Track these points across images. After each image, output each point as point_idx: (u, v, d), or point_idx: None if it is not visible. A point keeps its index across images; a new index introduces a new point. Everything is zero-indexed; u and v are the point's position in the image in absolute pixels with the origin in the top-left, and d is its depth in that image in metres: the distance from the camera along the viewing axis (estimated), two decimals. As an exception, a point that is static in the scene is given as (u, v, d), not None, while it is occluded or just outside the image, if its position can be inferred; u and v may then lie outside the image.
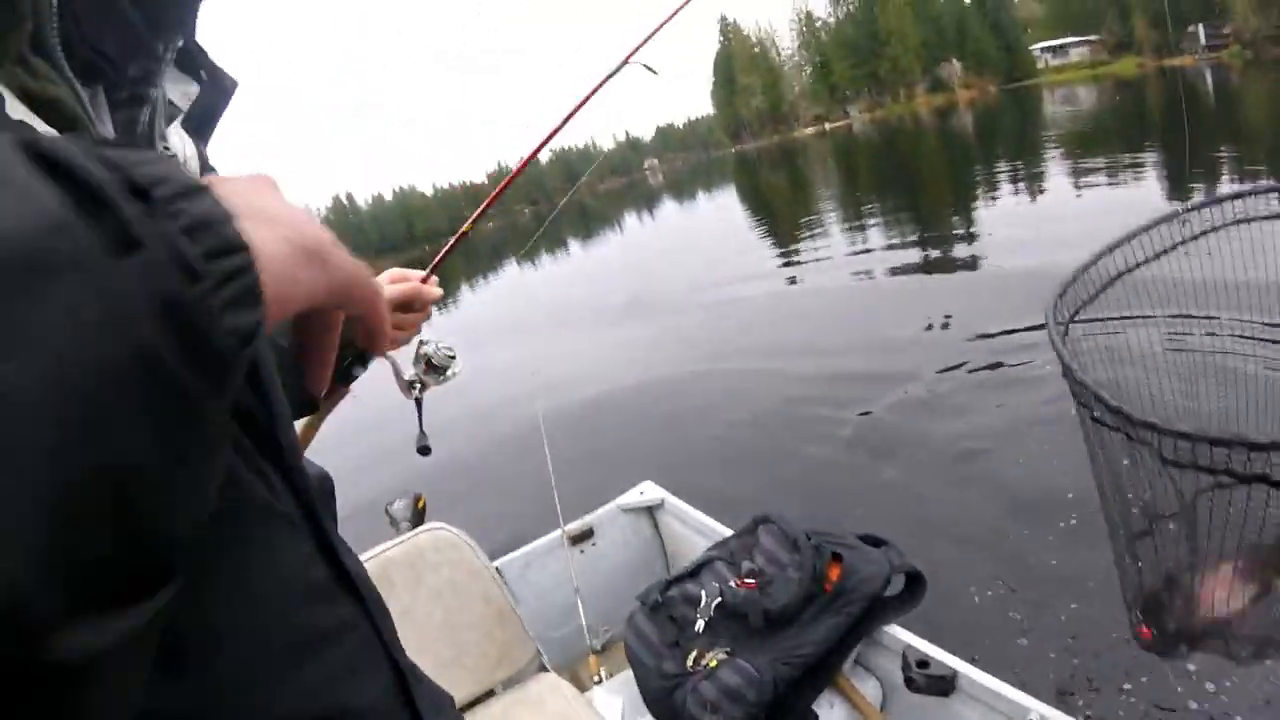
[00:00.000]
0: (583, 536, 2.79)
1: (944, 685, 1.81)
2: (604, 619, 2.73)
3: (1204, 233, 1.39)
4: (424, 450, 1.32)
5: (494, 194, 1.30)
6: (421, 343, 1.22)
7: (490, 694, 2.12)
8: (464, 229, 1.27)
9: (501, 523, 4.35)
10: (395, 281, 1.07)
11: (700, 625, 1.97)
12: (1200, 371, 1.48)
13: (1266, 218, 1.35)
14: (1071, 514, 3.53)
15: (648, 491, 2.86)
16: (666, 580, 2.15)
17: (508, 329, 13.09)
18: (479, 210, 1.29)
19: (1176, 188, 10.42)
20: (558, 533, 2.75)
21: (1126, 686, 2.51)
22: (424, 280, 1.09)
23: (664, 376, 7.65)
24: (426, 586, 2.10)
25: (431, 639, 2.06)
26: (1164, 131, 16.84)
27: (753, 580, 1.99)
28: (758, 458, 5.28)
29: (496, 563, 2.62)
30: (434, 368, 1.23)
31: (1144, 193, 10.94)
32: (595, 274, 20.16)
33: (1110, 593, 1.45)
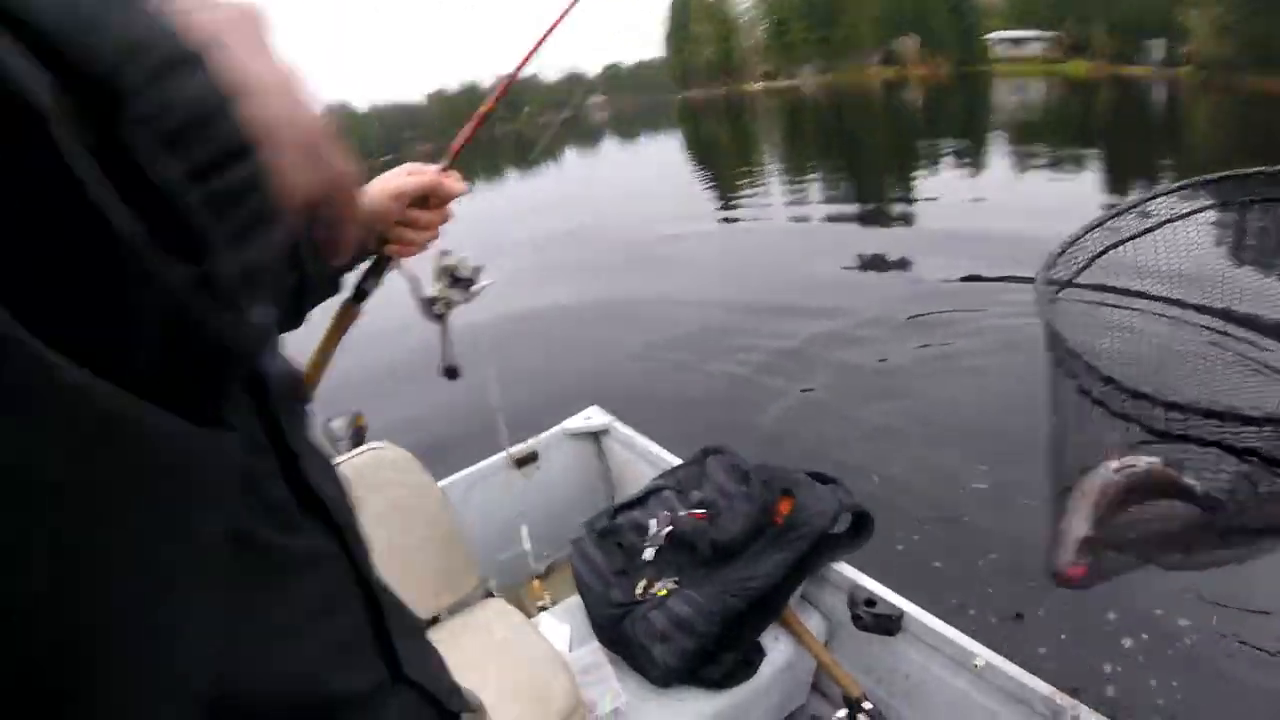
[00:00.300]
0: (527, 460, 2.76)
1: (890, 625, 1.85)
2: (547, 543, 2.73)
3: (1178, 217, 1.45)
4: (451, 372, 1.17)
5: (507, 83, 1.16)
6: (443, 253, 1.09)
7: (435, 620, 2.09)
8: (485, 109, 1.11)
9: (443, 444, 4.30)
10: (411, 176, 0.94)
11: (649, 554, 1.98)
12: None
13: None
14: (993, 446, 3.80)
15: (594, 417, 2.84)
16: (614, 507, 2.15)
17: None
18: (501, 89, 1.13)
19: (1111, 185, 10.84)
20: (502, 455, 2.71)
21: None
22: (444, 170, 0.96)
23: (605, 306, 7.78)
24: (369, 509, 2.02)
25: (375, 563, 2.02)
26: (1107, 133, 17.38)
27: (702, 511, 2.00)
28: (696, 390, 5.51)
29: (441, 484, 2.57)
30: (459, 280, 1.10)
31: (1078, 186, 11.38)
32: (534, 206, 19.85)
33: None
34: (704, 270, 8.97)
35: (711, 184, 17.22)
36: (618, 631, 1.90)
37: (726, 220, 12.17)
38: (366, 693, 0.58)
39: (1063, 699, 1.57)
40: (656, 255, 10.14)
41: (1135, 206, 1.43)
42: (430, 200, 0.94)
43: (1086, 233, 1.41)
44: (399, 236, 0.94)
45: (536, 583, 2.58)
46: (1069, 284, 1.40)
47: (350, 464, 2.05)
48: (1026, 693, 1.64)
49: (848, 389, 5.20)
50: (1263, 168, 1.36)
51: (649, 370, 5.92)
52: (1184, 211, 1.42)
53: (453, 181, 0.95)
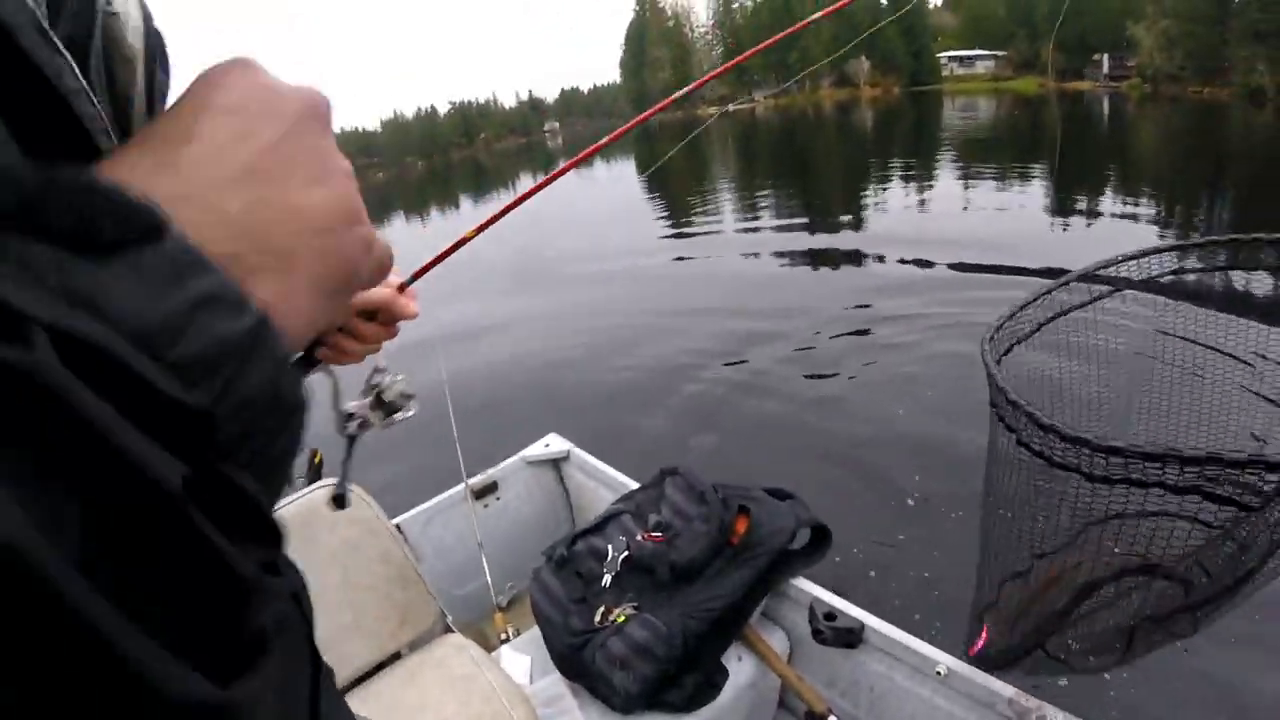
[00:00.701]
0: (486, 490, 2.73)
1: (851, 638, 1.85)
2: (509, 575, 2.70)
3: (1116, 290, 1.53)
4: (339, 501, 0.97)
5: (506, 208, 1.06)
6: (377, 369, 0.97)
7: (395, 657, 2.06)
8: (464, 237, 1.01)
9: (402, 479, 4.26)
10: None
11: (607, 580, 1.96)
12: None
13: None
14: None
15: (553, 444, 2.82)
16: (573, 535, 2.12)
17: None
18: (490, 219, 1.01)
19: (1058, 198, 11.15)
20: (460, 487, 2.68)
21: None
22: (401, 289, 0.87)
23: (564, 337, 7.72)
24: (322, 547, 2.01)
25: (329, 603, 1.97)
26: (1055, 146, 17.85)
27: (660, 534, 1.98)
28: (659, 411, 5.52)
29: (396, 520, 2.54)
30: (383, 404, 0.99)
31: (1026, 198, 11.68)
32: (489, 235, 19.90)
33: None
34: (657, 292, 9.04)
35: (665, 206, 17.36)
36: (578, 661, 1.87)
37: (679, 238, 12.29)
38: None
39: (1028, 700, 1.57)
40: (610, 278, 10.18)
41: (1086, 276, 1.52)
42: (379, 315, 0.87)
43: (1038, 297, 1.52)
44: (336, 344, 0.86)
45: (499, 615, 2.54)
46: (1016, 344, 1.51)
47: (305, 500, 2.00)
48: (991, 696, 1.64)
49: (802, 399, 5.28)
50: (1214, 238, 1.48)
51: (607, 393, 5.93)
52: (1136, 279, 1.52)
53: (407, 303, 0.87)
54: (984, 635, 1.54)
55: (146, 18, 0.50)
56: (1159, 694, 2.47)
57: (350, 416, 0.96)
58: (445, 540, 2.67)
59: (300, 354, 0.85)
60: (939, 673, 1.71)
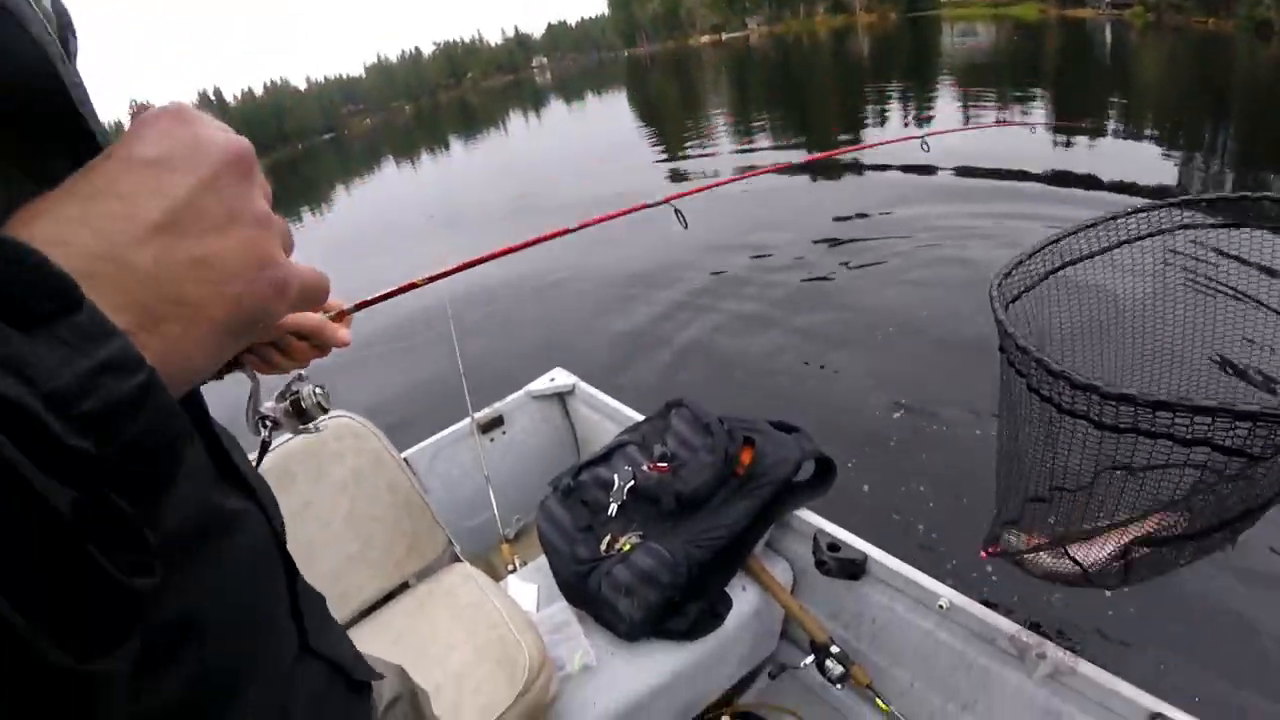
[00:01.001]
0: (492, 424, 2.74)
1: (854, 569, 1.86)
2: (516, 507, 2.73)
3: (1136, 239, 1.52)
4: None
5: (467, 264, 1.00)
6: (299, 378, 0.97)
7: (403, 587, 2.09)
8: (413, 283, 0.95)
9: (409, 414, 4.28)
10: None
11: (613, 509, 1.97)
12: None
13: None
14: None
15: (558, 378, 2.82)
16: (579, 465, 2.13)
17: (396, 230, 12.65)
18: (445, 271, 0.96)
19: (1059, 124, 11.00)
20: (466, 421, 2.69)
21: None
22: (341, 316, 0.89)
23: (565, 271, 7.68)
24: (330, 478, 2.02)
25: (337, 532, 2.00)
26: (1055, 73, 17.52)
27: (665, 464, 1.99)
28: (658, 344, 5.52)
29: (404, 454, 2.55)
30: (300, 412, 0.98)
31: (1028, 120, 11.48)
32: (481, 178, 19.52)
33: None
34: (655, 228, 8.96)
35: (659, 141, 17.09)
36: (584, 588, 1.90)
37: (674, 176, 12.13)
38: (284, 658, 0.60)
39: (1028, 636, 1.59)
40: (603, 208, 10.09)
41: (1098, 224, 1.51)
42: (311, 338, 0.87)
43: (1046, 245, 1.50)
44: (264, 355, 0.86)
45: (506, 547, 2.57)
46: (1026, 291, 1.50)
47: (310, 437, 2.00)
48: (992, 631, 1.66)
49: (807, 332, 5.26)
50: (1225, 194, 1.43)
51: (609, 330, 5.91)
52: (1145, 232, 1.51)
53: (336, 331, 0.87)
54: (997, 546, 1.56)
55: (60, 10, 0.51)
56: (1157, 626, 2.49)
57: (265, 419, 0.97)
58: (452, 474, 2.69)
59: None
60: (941, 606, 1.73)
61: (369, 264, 9.75)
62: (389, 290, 0.92)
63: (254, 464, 0.88)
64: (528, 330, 6.29)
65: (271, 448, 0.94)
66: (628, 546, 1.88)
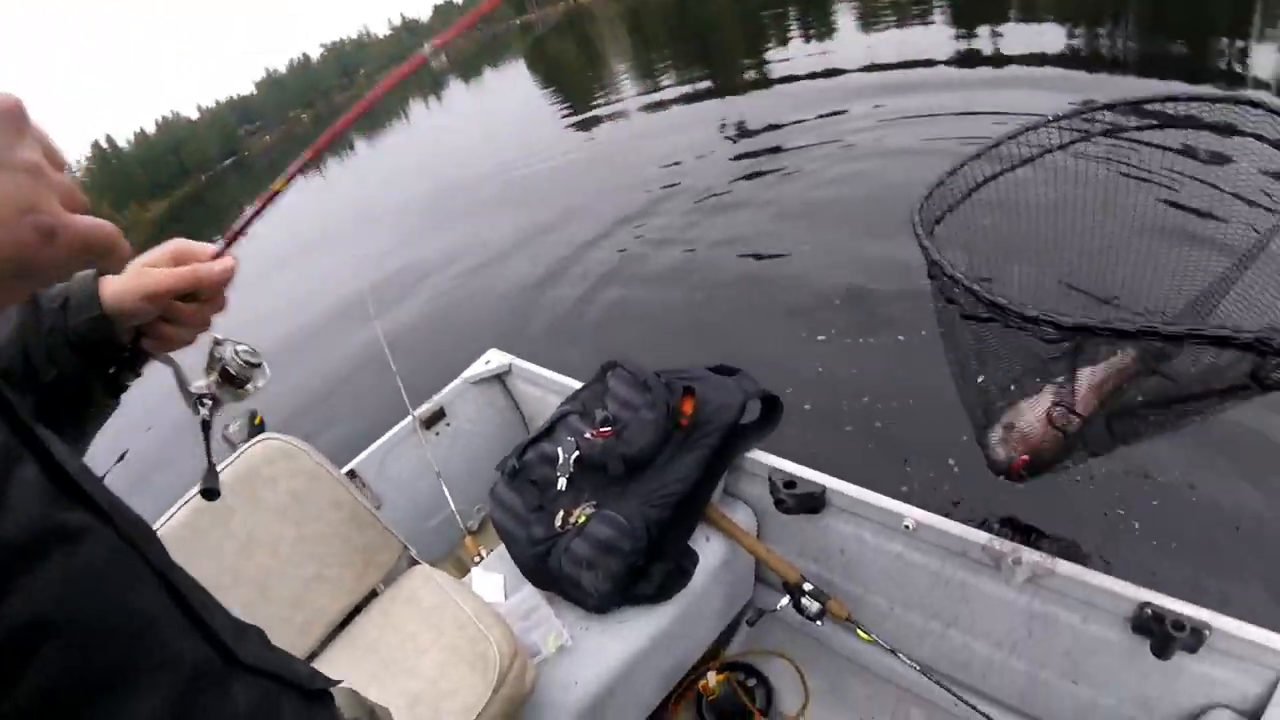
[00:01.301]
0: (435, 419, 2.66)
1: (814, 502, 1.83)
2: (474, 498, 2.66)
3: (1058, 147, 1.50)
4: (210, 493, 0.92)
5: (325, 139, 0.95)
6: (216, 343, 0.93)
7: (367, 600, 2.03)
8: (273, 189, 0.90)
9: (351, 428, 4.18)
10: (177, 261, 0.81)
11: (562, 483, 1.91)
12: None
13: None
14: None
15: (494, 359, 2.73)
16: (522, 444, 2.07)
17: (311, 243, 12.26)
18: (291, 171, 0.91)
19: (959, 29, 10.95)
20: (408, 420, 2.60)
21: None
22: (217, 256, 0.82)
23: (486, 251, 7.54)
24: (267, 505, 1.94)
25: (289, 558, 1.92)
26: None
27: (608, 428, 1.92)
28: (588, 307, 5.45)
29: (351, 465, 2.48)
30: (230, 378, 0.94)
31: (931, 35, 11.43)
32: (390, 171, 18.98)
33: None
34: (568, 187, 8.81)
35: (565, 103, 16.79)
36: (545, 569, 1.84)
37: (583, 133, 11.95)
38: (182, 665, 0.61)
39: (1000, 543, 1.57)
40: (518, 187, 9.84)
41: (1014, 136, 1.50)
42: (200, 294, 0.82)
43: (965, 164, 1.51)
44: (158, 333, 0.83)
45: (470, 540, 2.51)
46: (948, 212, 1.51)
47: (240, 461, 1.93)
48: (962, 544, 1.64)
49: (736, 272, 5.20)
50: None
51: (538, 301, 5.79)
52: (1062, 142, 1.50)
53: (210, 267, 0.81)
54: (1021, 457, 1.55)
55: None
56: (1135, 527, 2.51)
57: (200, 398, 0.92)
58: (404, 476, 2.61)
59: (125, 354, 0.85)
60: (907, 527, 1.70)
61: (290, 279, 9.46)
62: (252, 211, 0.86)
63: (208, 456, 0.93)
64: (453, 316, 6.16)
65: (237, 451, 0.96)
66: (583, 519, 1.83)
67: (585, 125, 12.54)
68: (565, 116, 14.23)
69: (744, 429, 1.95)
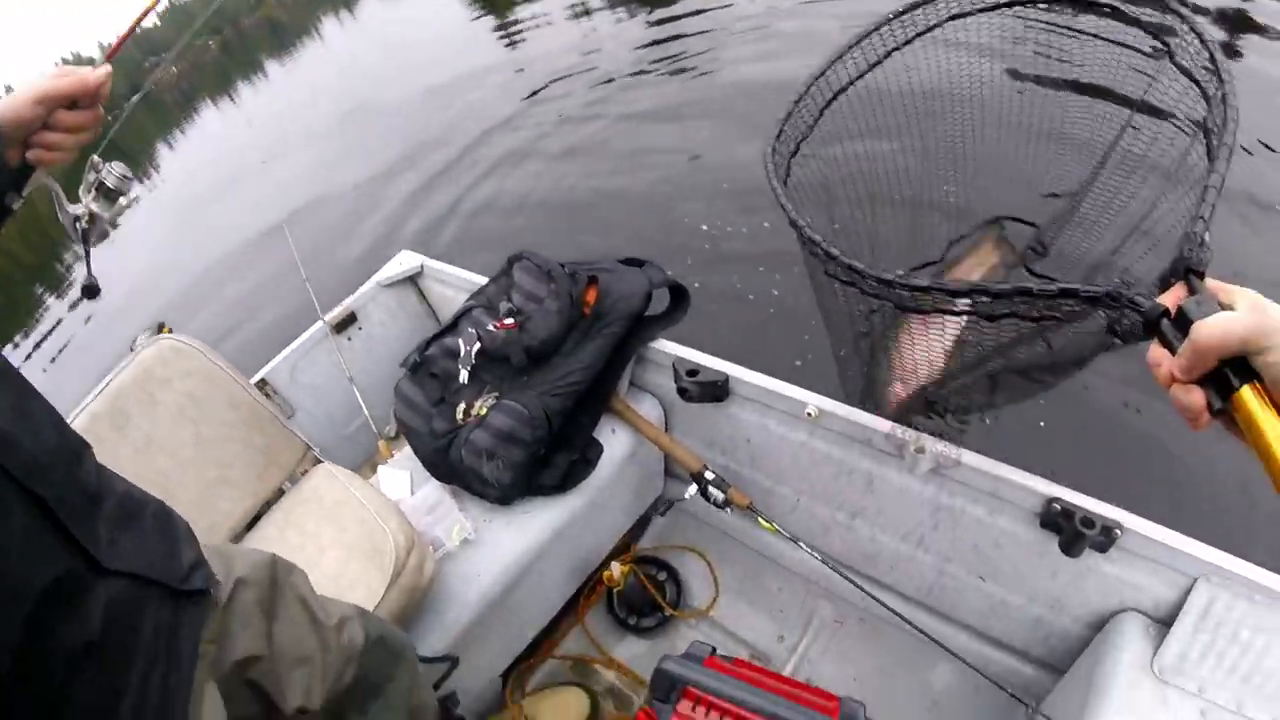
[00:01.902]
0: (346, 323, 2.57)
1: (718, 391, 1.80)
2: (389, 403, 2.58)
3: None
4: (91, 290, 1.12)
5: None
6: (91, 162, 1.06)
7: (271, 501, 1.99)
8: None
9: (262, 336, 4.04)
10: (55, 78, 0.91)
11: (464, 376, 1.86)
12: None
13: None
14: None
15: (405, 261, 2.64)
16: (426, 339, 2.01)
17: (228, 174, 11.67)
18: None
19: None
20: (319, 325, 2.52)
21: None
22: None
23: (398, 162, 7.26)
24: (164, 407, 1.86)
25: (190, 461, 1.86)
26: None
27: (512, 320, 1.88)
28: (499, 205, 5.35)
29: (262, 373, 2.40)
30: (109, 192, 1.07)
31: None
32: (305, 92, 17.94)
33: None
34: (483, 92, 8.50)
35: (484, 9, 15.94)
36: (446, 462, 1.80)
37: (504, 39, 11.48)
38: (61, 580, 0.67)
39: (904, 432, 1.55)
40: (435, 95, 9.42)
41: (855, 44, 1.43)
42: (80, 102, 0.92)
43: (808, 89, 1.43)
44: (43, 143, 0.92)
45: (384, 445, 2.46)
46: (805, 139, 1.44)
47: (135, 365, 1.86)
48: (866, 432, 1.62)
49: (634, 155, 5.17)
50: None
51: (447, 203, 5.63)
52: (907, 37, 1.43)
53: (90, 74, 0.92)
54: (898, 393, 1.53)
55: None
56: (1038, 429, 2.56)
57: (77, 219, 1.05)
58: (317, 383, 2.53)
59: (16, 168, 0.93)
60: (810, 414, 1.68)
61: (215, 217, 9.05)
62: (135, 19, 1.11)
63: (87, 261, 1.09)
64: (365, 226, 5.93)
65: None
66: (484, 410, 1.79)
67: (503, 32, 12.03)
68: (477, 20, 13.57)
69: (650, 320, 1.92)
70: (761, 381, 1.77)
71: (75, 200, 1.06)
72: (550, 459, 1.79)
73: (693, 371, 1.82)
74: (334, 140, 9.85)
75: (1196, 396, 0.71)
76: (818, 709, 1.33)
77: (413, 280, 2.65)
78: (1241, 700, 1.29)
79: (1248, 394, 0.68)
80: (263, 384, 2.38)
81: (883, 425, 1.59)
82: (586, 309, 1.84)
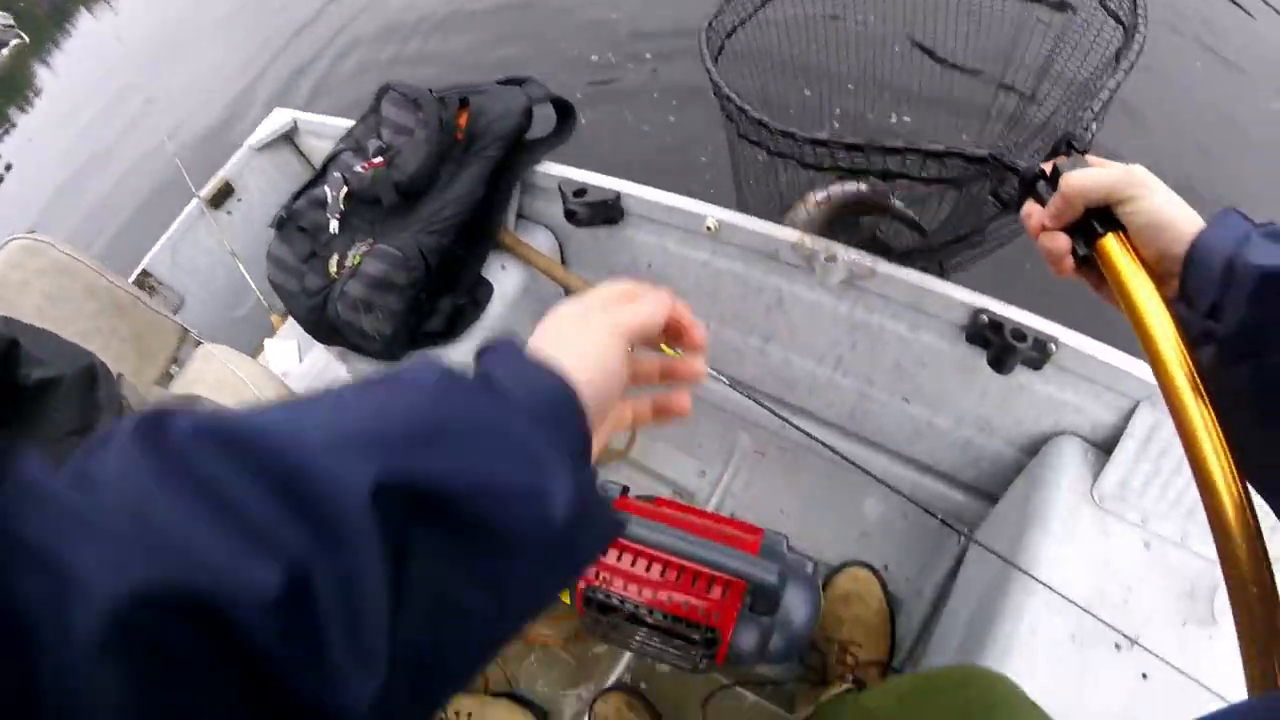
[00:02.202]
0: (223, 196, 2.33)
1: (610, 211, 1.62)
2: None
3: None
4: None
5: None
6: None
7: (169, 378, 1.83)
8: None
9: (135, 225, 3.74)
10: None
11: (334, 225, 1.66)
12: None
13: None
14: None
15: (277, 119, 2.38)
16: (293, 193, 1.80)
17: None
18: None
19: None
20: (193, 203, 2.28)
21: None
22: None
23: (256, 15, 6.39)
24: (25, 313, 1.67)
25: (59, 363, 1.69)
26: None
27: (380, 159, 1.67)
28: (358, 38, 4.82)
29: (143, 264, 2.18)
30: None
31: None
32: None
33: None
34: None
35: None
36: (324, 321, 1.63)
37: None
38: None
39: (811, 240, 1.40)
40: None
41: None
42: None
43: None
44: None
45: (276, 319, 2.27)
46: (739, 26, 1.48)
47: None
48: (770, 243, 1.47)
49: None
50: None
51: (317, 49, 4.96)
52: None
53: None
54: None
55: None
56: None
57: None
58: (201, 265, 2.32)
59: None
60: (709, 228, 1.52)
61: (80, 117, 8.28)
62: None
63: None
64: (232, 92, 5.06)
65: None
66: (357, 259, 1.59)
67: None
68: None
69: (533, 143, 1.71)
70: (656, 197, 1.59)
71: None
72: (434, 304, 1.61)
73: (580, 191, 1.62)
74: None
75: (1061, 241, 0.76)
76: (737, 543, 1.25)
77: (288, 139, 2.39)
78: (1186, 533, 1.22)
79: (1111, 242, 0.72)
80: (145, 276, 2.18)
81: (789, 234, 1.43)
82: (460, 134, 1.62)
